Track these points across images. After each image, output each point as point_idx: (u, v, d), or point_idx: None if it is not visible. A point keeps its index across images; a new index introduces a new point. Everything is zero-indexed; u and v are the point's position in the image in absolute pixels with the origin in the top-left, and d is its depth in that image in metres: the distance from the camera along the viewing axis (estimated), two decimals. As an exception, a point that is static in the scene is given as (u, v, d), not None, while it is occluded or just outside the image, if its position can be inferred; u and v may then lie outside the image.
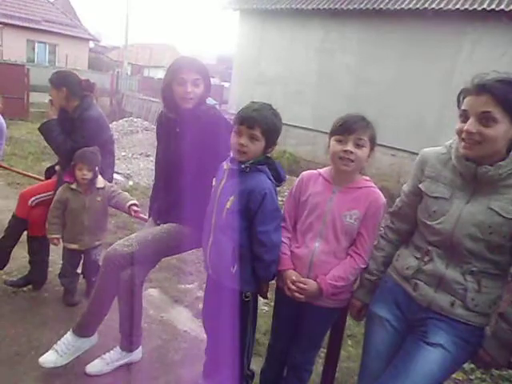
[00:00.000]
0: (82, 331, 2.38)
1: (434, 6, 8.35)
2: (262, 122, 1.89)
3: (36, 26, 25.45)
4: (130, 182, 7.26)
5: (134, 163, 8.79)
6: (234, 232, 1.94)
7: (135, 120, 12.63)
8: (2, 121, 4.66)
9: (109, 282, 2.24)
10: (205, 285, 2.34)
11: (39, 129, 2.98)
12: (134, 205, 2.79)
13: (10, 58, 20.61)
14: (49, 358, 2.30)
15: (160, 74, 30.88)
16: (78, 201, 2.86)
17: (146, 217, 2.71)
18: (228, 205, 1.95)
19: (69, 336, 2.37)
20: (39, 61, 25.14)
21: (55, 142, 2.94)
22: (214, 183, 2.10)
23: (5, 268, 3.21)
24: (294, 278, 1.92)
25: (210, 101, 2.45)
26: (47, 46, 26.62)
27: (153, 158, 8.61)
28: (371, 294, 1.90)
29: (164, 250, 2.35)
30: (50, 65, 23.93)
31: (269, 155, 2.02)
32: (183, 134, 2.32)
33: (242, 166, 1.94)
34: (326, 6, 9.99)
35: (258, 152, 1.94)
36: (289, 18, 10.85)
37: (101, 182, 2.90)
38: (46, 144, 3.09)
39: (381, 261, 1.90)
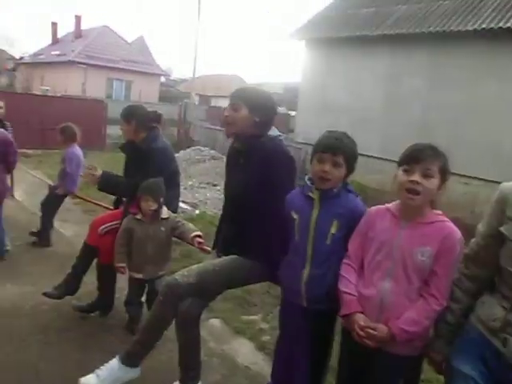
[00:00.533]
0: (128, 360, 2.36)
1: (509, 24, 7.95)
2: (344, 149, 1.95)
3: (115, 66, 27.40)
4: (197, 212, 7.34)
5: (200, 192, 8.93)
6: (339, 258, 1.95)
7: (202, 149, 12.90)
8: (80, 152, 4.95)
9: (164, 312, 2.22)
10: (270, 316, 2.27)
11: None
12: (198, 236, 2.78)
13: (92, 94, 22.15)
14: (89, 381, 2.29)
15: (227, 104, 31.71)
16: (142, 231, 2.92)
17: (210, 248, 2.69)
18: (333, 230, 1.97)
19: (114, 362, 2.36)
20: (116, 96, 26.89)
21: (119, 191, 3.12)
22: (294, 216, 2.07)
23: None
24: (362, 322, 1.78)
25: (273, 131, 2.41)
26: (124, 83, 28.52)
27: (220, 188, 8.73)
28: (451, 345, 1.72)
29: (225, 283, 2.31)
30: (125, 99, 25.42)
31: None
32: (245, 165, 2.33)
33: (335, 190, 1.99)
34: (392, 32, 9.85)
35: (340, 179, 1.98)
36: (354, 46, 10.80)
37: (165, 212, 2.95)
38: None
39: (459, 313, 1.73)
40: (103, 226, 3.14)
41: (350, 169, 2.01)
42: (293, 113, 19.90)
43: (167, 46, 75.70)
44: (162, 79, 33.62)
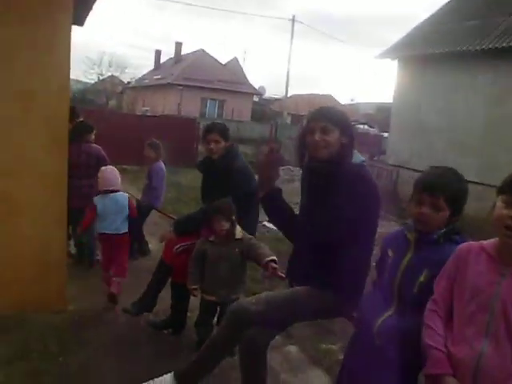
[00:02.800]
0: (183, 378, 2.30)
1: None
2: (446, 189, 1.73)
3: (209, 86, 28.60)
4: (283, 232, 7.22)
5: (288, 212, 8.80)
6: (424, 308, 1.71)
7: (292, 169, 12.87)
8: (163, 167, 5.07)
9: (226, 337, 2.14)
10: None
11: (180, 235, 3.14)
12: (273, 261, 2.65)
13: (187, 113, 23.26)
14: None
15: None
16: (215, 252, 2.87)
17: (284, 275, 2.55)
18: (422, 279, 1.76)
19: (168, 377, 2.31)
20: (209, 115, 28.01)
21: (195, 224, 3.10)
22: (390, 254, 1.91)
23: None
24: None
25: (356, 157, 2.22)
26: (217, 102, 29.62)
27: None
28: None
29: (295, 315, 2.16)
30: (218, 118, 26.34)
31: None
32: (329, 191, 2.11)
33: (434, 236, 1.77)
34: (497, 45, 9.07)
35: (441, 223, 1.77)
36: (451, 62, 10.12)
37: (239, 233, 2.87)
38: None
39: None
40: (178, 245, 3.13)
41: (456, 211, 1.77)
42: (385, 134, 19.29)
43: (261, 65, 77.92)
44: (255, 98, 34.38)
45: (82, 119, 4.83)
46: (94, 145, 4.54)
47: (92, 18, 5.03)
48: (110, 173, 3.75)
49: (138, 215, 4.97)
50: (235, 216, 2.82)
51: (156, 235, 6.05)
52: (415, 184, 1.82)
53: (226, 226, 2.79)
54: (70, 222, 4.61)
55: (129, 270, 4.63)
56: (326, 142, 2.11)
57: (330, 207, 2.05)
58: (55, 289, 3.42)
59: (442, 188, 1.72)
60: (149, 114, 22.25)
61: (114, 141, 12.84)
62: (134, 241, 5.05)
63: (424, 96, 10.76)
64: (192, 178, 12.36)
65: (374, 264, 2.12)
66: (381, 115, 32.55)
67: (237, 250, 2.85)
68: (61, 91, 3.26)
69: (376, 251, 2.20)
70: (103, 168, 3.83)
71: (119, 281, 3.65)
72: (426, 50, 10.69)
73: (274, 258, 2.68)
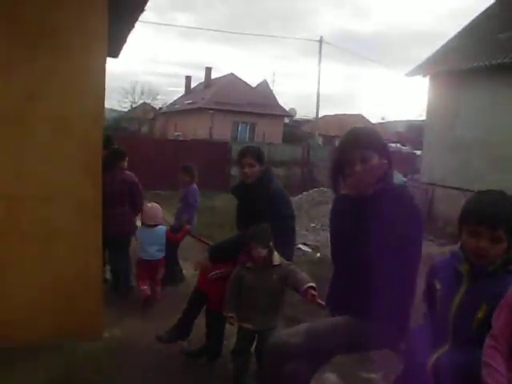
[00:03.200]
0: None
1: None
2: (506, 219, 1.61)
3: (240, 109, 28.89)
4: (318, 254, 7.11)
5: (322, 235, 8.68)
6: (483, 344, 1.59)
7: (325, 190, 12.73)
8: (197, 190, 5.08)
9: (271, 374, 2.03)
10: (393, 376, 1.95)
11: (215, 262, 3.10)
12: (312, 288, 2.54)
13: (218, 137, 23.52)
14: None
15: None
16: (252, 279, 2.79)
17: (323, 303, 2.44)
18: (480, 314, 1.64)
19: None
20: (241, 138, 28.23)
21: (232, 251, 3.04)
22: (437, 286, 1.80)
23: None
24: None
25: (397, 178, 2.11)
26: (248, 125, 29.86)
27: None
28: None
29: (337, 348, 2.04)
30: (249, 141, 26.49)
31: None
32: (371, 216, 1.95)
33: (491, 268, 1.65)
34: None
35: (499, 254, 1.64)
36: (489, 76, 9.83)
37: (277, 259, 2.78)
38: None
39: None
40: (214, 272, 3.07)
41: None
42: (418, 152, 18.95)
43: (291, 87, 78.34)
44: (286, 120, 34.50)
45: (116, 146, 4.91)
46: (128, 172, 4.60)
47: (126, 49, 5.18)
48: (155, 210, 4.44)
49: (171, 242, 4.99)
50: (272, 242, 2.74)
51: (190, 260, 6.08)
52: (466, 214, 1.69)
53: (264, 252, 2.72)
54: (106, 248, 4.69)
55: (163, 295, 4.63)
56: (368, 171, 1.99)
57: (381, 232, 1.90)
58: (91, 316, 3.40)
59: (502, 219, 1.60)
60: (181, 138, 22.62)
61: (147, 166, 13.25)
62: (168, 267, 5.04)
63: (458, 111, 10.47)
64: (225, 202, 12.41)
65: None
66: (412, 133, 32.10)
67: (274, 276, 2.75)
68: (95, 119, 3.31)
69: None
70: (149, 205, 4.50)
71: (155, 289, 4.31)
72: (459, 65, 10.44)
73: (313, 284, 2.58)
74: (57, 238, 3.28)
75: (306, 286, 2.55)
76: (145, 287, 4.24)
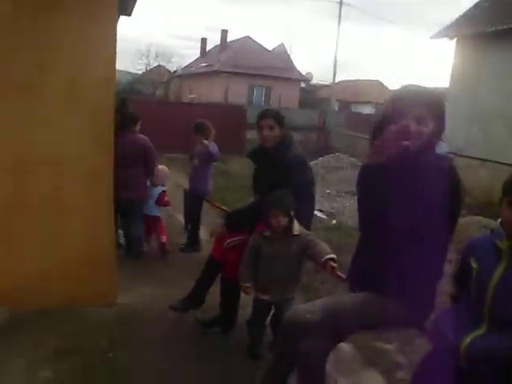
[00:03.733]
0: None
1: None
2: None
3: (256, 72, 28.37)
4: (333, 221, 7.01)
5: (338, 201, 8.58)
6: None
7: (341, 156, 12.53)
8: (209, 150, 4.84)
9: (287, 349, 1.96)
10: (408, 348, 1.87)
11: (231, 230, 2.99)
12: (332, 259, 2.42)
13: (234, 101, 23.20)
14: None
15: (367, 110, 30.78)
16: (271, 248, 2.66)
17: (344, 276, 2.32)
18: None
19: None
20: (256, 102, 27.86)
21: (248, 220, 2.91)
22: (473, 265, 1.66)
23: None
24: None
25: (441, 148, 1.95)
26: (264, 89, 29.41)
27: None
28: None
29: (359, 326, 1.92)
30: (265, 105, 26.14)
31: None
32: (413, 186, 1.78)
33: None
34: None
35: None
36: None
37: (297, 228, 2.64)
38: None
39: None
40: (229, 240, 2.95)
41: None
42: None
43: (308, 51, 76.54)
44: (302, 85, 33.87)
45: (130, 109, 4.72)
46: (140, 135, 4.43)
47: (140, 10, 4.92)
48: (165, 172, 4.81)
49: (191, 207, 4.89)
50: (293, 209, 2.59)
51: (205, 224, 6.01)
52: (505, 185, 1.57)
53: (284, 220, 2.58)
54: (119, 212, 4.61)
55: (179, 260, 4.58)
56: (420, 133, 1.80)
57: (422, 203, 1.74)
58: (105, 283, 3.35)
59: None
60: (195, 101, 22.35)
61: (161, 129, 13.12)
62: (191, 231, 4.97)
63: (482, 78, 9.98)
64: (240, 166, 12.30)
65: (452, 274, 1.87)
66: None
67: (294, 246, 2.62)
68: (107, 85, 3.12)
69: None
70: (159, 167, 4.69)
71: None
72: (487, 27, 9.89)
73: (333, 256, 2.46)
74: (69, 209, 3.19)
75: (325, 258, 2.44)
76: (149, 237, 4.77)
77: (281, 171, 2.77)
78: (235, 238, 2.94)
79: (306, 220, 2.87)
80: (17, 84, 2.96)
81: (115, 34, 3.13)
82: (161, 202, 4.70)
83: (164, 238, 4.67)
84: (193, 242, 4.94)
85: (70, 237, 3.22)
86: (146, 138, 4.43)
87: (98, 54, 3.06)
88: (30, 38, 2.92)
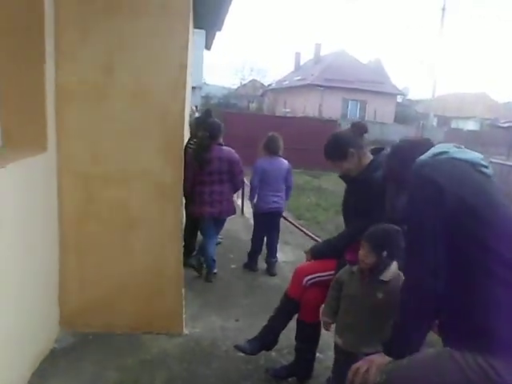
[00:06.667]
0: None
1: None
2: None
3: (350, 86, 27.69)
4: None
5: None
6: None
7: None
8: (269, 165, 4.46)
9: None
10: None
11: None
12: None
13: (328, 114, 22.72)
14: None
15: (470, 125, 28.59)
16: (352, 288, 2.19)
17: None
18: None
19: None
20: (351, 116, 27.08)
21: (337, 251, 2.44)
22: None
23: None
24: None
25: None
26: (358, 103, 28.54)
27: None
28: None
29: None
30: (360, 119, 25.32)
31: None
32: None
33: None
34: None
35: None
36: None
37: (389, 273, 2.10)
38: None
39: None
40: (310, 277, 2.48)
41: None
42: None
43: (405, 66, 73.46)
44: (398, 99, 32.45)
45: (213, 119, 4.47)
46: (226, 147, 4.13)
47: (236, 25, 4.73)
48: None
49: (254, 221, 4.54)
50: (390, 250, 2.07)
51: (292, 244, 5.59)
52: None
53: (370, 257, 2.08)
54: (200, 231, 4.37)
55: (256, 286, 4.24)
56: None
57: None
58: (171, 308, 3.07)
59: None
60: (289, 115, 22.19)
61: (252, 142, 12.98)
62: (252, 250, 4.66)
63: None
64: (332, 183, 11.73)
65: None
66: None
67: (380, 295, 2.10)
68: (175, 91, 2.84)
69: None
70: None
71: None
72: None
73: None
74: (134, 224, 2.96)
75: None
76: None
77: (366, 199, 2.29)
78: (316, 275, 2.47)
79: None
80: (82, 90, 2.78)
81: (188, 32, 2.87)
82: None
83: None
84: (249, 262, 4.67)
85: (134, 254, 2.99)
86: (232, 150, 4.13)
87: (167, 56, 2.81)
88: (97, 37, 2.74)
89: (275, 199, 4.53)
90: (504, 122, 29.09)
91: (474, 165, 1.59)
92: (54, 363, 2.65)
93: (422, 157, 1.63)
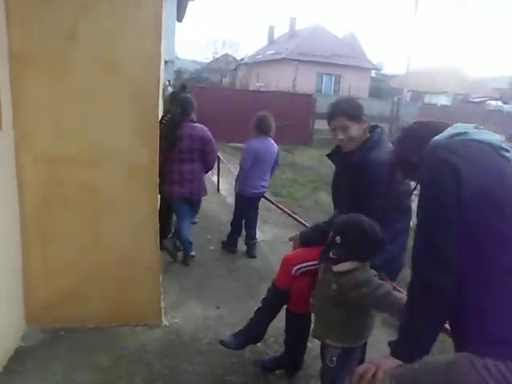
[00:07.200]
0: None
1: None
2: None
3: (325, 60, 27.39)
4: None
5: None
6: None
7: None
8: (262, 146, 4.23)
9: None
10: None
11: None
12: None
13: (302, 89, 22.45)
14: None
15: (443, 100, 28.79)
16: (320, 273, 2.07)
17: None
18: None
19: None
20: (325, 91, 26.87)
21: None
22: None
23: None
24: None
25: None
26: (333, 78, 28.30)
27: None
28: None
29: None
30: (334, 94, 25.20)
31: None
32: None
33: None
34: None
35: None
36: None
37: (342, 266, 1.88)
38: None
39: None
40: (299, 266, 2.29)
41: None
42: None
43: (379, 40, 73.26)
44: (373, 74, 32.34)
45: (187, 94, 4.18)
46: (199, 125, 3.86)
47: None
48: None
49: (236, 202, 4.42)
50: (343, 238, 1.86)
51: (270, 223, 5.42)
52: None
53: (338, 253, 1.88)
54: (173, 212, 4.12)
55: (236, 269, 4.05)
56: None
57: None
58: (148, 298, 2.86)
59: None
60: (263, 89, 21.79)
61: (226, 118, 12.73)
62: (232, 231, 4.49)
63: None
64: (308, 158, 11.63)
65: None
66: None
67: (333, 285, 1.91)
68: (149, 63, 2.54)
69: None
70: None
71: None
72: None
73: None
74: (106, 211, 2.70)
75: None
76: None
77: (360, 182, 2.11)
78: (305, 264, 2.28)
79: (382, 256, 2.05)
80: (41, 60, 2.44)
81: (161, 8, 2.55)
82: None
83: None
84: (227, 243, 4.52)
85: (108, 240, 2.74)
86: (205, 128, 3.86)
87: (138, 24, 2.50)
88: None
89: (263, 183, 4.33)
90: (475, 98, 29.46)
91: (495, 148, 1.41)
92: (21, 364, 2.41)
93: (437, 137, 1.43)
